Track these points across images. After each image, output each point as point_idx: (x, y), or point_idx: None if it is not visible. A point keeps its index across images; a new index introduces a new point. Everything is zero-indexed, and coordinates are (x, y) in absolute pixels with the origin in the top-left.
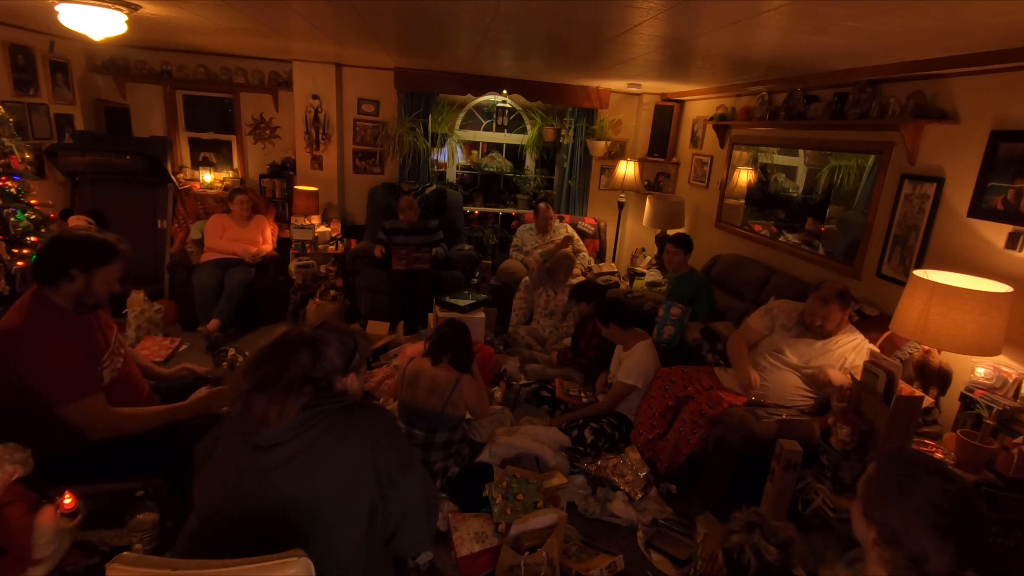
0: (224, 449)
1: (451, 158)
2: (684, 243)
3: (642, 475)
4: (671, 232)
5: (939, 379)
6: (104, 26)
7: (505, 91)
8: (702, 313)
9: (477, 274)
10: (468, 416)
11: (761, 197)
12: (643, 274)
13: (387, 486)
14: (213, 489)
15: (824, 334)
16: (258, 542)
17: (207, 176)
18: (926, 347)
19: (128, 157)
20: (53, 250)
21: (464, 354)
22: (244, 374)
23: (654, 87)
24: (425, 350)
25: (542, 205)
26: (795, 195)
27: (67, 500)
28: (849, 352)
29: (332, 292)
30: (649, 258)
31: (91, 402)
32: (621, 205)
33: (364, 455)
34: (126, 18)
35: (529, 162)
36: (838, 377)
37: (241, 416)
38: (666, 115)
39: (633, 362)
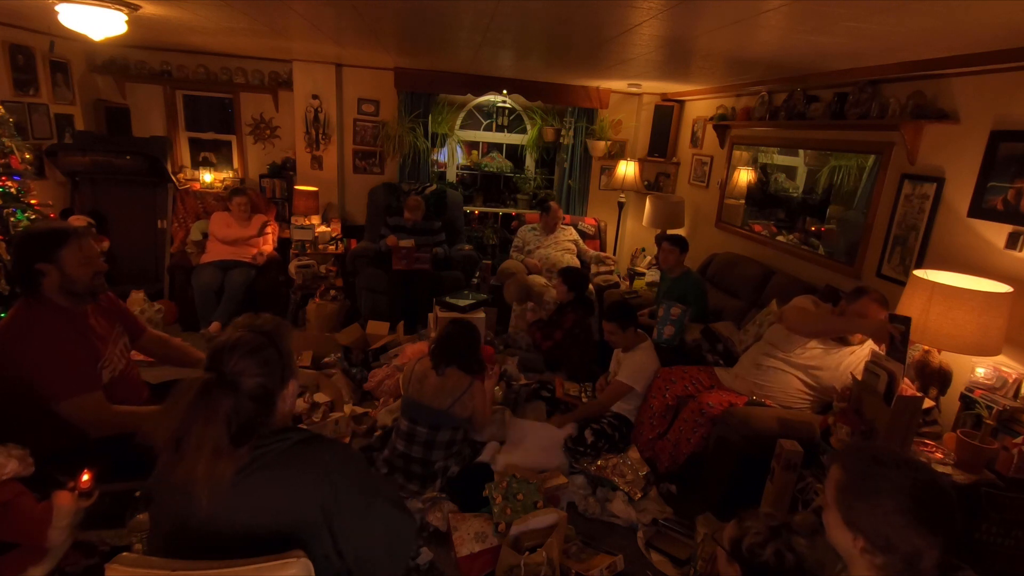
0: (163, 487)
1: (451, 158)
2: (681, 242)
3: (642, 475)
4: (669, 232)
5: (939, 379)
6: (104, 26)
7: (505, 91)
8: (693, 314)
9: (477, 274)
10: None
11: (761, 197)
12: (643, 274)
13: (337, 532)
14: (166, 516)
15: (847, 343)
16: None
17: (207, 176)
18: (926, 347)
19: (128, 157)
20: (16, 257)
21: (470, 360)
22: (163, 428)
23: (654, 87)
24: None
25: (554, 204)
26: (795, 195)
27: (85, 477)
28: (862, 362)
29: (332, 292)
30: (649, 258)
31: (90, 399)
32: (621, 205)
33: (310, 501)
34: (126, 18)
35: (529, 162)
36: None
37: (163, 473)
38: (666, 115)
39: (634, 364)
